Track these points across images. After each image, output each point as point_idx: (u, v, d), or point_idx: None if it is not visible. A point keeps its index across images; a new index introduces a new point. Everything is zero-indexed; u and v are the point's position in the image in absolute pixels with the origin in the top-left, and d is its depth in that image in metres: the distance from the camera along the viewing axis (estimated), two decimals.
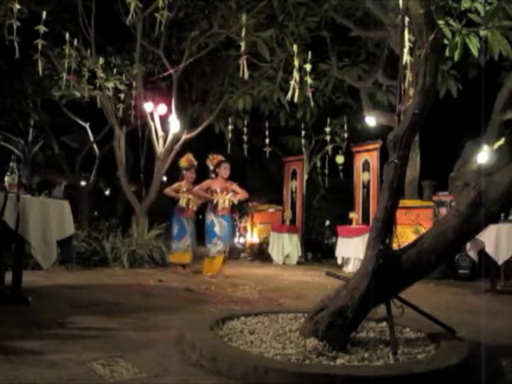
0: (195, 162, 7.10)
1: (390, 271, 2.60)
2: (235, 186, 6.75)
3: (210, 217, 6.55)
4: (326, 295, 2.76)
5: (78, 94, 8.99)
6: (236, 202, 6.80)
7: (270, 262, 9.31)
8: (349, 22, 7.88)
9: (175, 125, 8.64)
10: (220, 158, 6.81)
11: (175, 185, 7.04)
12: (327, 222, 12.01)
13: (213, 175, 6.86)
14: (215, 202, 6.52)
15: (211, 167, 6.81)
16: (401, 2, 3.56)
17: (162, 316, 3.61)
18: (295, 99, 6.40)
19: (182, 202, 6.83)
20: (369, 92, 9.15)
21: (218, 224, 6.48)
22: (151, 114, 8.67)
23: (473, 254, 5.69)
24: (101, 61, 8.13)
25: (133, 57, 8.73)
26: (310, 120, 10.57)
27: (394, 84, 8.67)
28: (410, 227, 7.24)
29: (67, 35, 7.06)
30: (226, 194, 6.57)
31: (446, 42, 5.63)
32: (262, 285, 5.76)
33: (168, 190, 7.01)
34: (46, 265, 3.88)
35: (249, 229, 10.85)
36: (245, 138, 10.76)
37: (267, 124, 10.98)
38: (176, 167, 7.69)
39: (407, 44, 4.35)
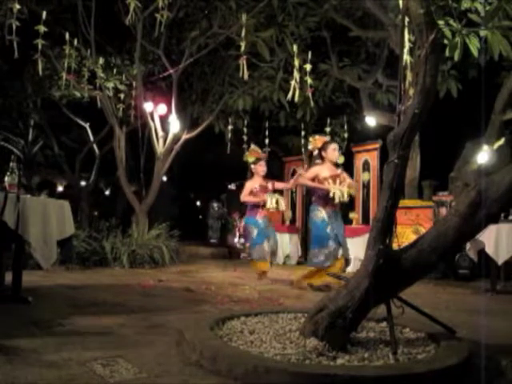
0: (262, 154, 6.40)
1: (390, 271, 2.61)
2: (346, 174, 5.58)
3: (321, 214, 5.28)
4: (326, 295, 2.77)
5: (77, 94, 8.99)
6: (354, 194, 5.57)
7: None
8: (349, 22, 7.87)
9: (175, 125, 8.64)
10: (324, 138, 5.67)
11: (247, 187, 6.15)
12: None
13: (318, 160, 5.76)
14: (331, 194, 5.20)
15: (315, 152, 5.71)
16: (401, 2, 3.55)
17: (162, 316, 3.61)
18: (295, 99, 6.39)
19: (272, 204, 5.88)
20: (369, 92, 9.14)
21: (331, 224, 5.25)
22: (151, 114, 8.66)
23: (473, 254, 5.69)
24: (101, 61, 8.13)
25: (133, 57, 8.72)
26: (310, 120, 10.56)
27: (394, 84, 8.65)
28: (409, 227, 7.24)
29: (67, 35, 7.05)
30: (339, 183, 5.31)
31: (445, 41, 5.63)
32: (262, 285, 5.77)
33: (245, 198, 6.13)
34: (45, 265, 3.88)
35: None
36: (245, 138, 10.76)
37: (267, 124, 10.97)
38: (175, 167, 7.64)
39: (407, 44, 4.34)
